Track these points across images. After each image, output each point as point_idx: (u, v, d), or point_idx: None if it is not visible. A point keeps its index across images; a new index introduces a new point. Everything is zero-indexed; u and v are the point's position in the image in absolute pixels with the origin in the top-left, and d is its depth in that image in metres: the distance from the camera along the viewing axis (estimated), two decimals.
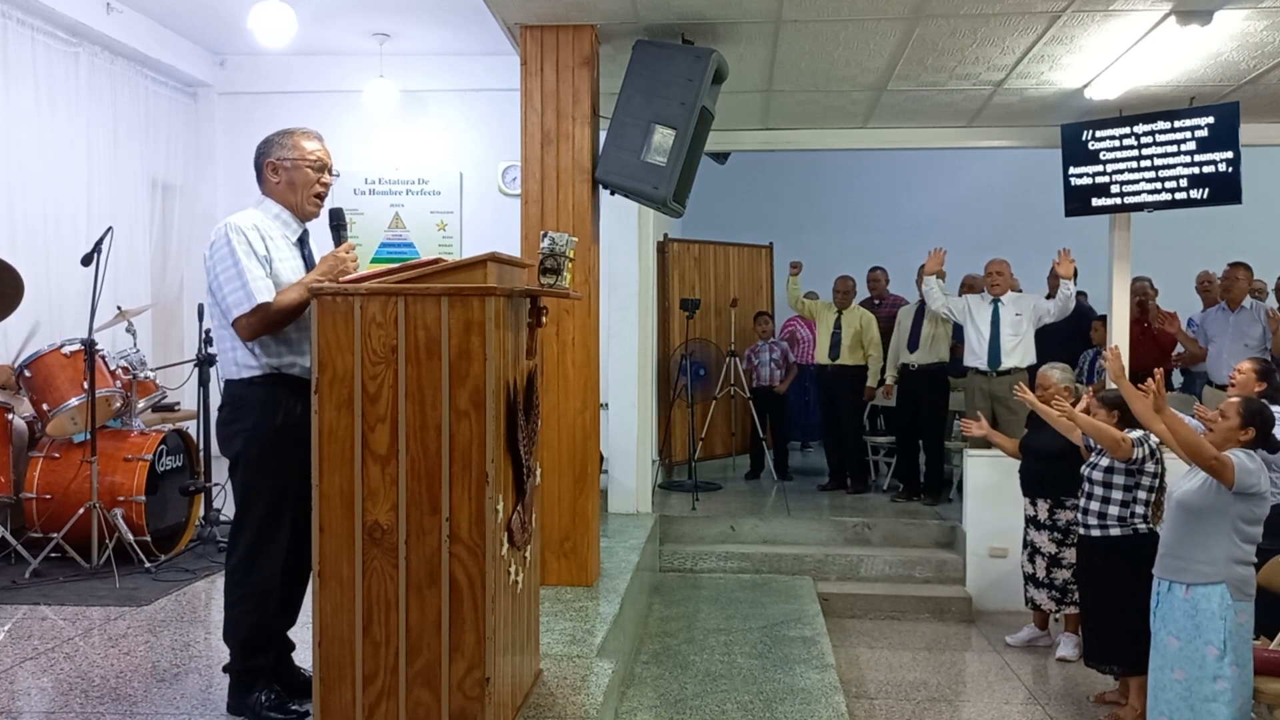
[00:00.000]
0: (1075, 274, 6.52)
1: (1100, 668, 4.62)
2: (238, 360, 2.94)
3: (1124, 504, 4.48)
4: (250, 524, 2.95)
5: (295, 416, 2.88)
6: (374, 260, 7.67)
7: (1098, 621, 4.59)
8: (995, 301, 6.73)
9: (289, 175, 3.03)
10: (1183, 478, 3.85)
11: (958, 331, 7.24)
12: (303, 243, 3.10)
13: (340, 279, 2.88)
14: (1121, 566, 4.41)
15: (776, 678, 4.57)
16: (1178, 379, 7.67)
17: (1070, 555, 5.24)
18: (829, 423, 8.09)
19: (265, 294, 2.84)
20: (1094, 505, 4.55)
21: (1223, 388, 6.22)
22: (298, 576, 2.95)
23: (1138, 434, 4.39)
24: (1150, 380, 3.86)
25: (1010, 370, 6.57)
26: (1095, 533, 4.55)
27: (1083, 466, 4.69)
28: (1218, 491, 3.63)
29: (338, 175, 3.20)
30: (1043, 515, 5.33)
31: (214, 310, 2.97)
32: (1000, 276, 6.76)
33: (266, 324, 2.87)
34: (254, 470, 2.93)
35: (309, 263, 3.08)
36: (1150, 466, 4.44)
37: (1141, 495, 4.46)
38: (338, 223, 3.10)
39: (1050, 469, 5.28)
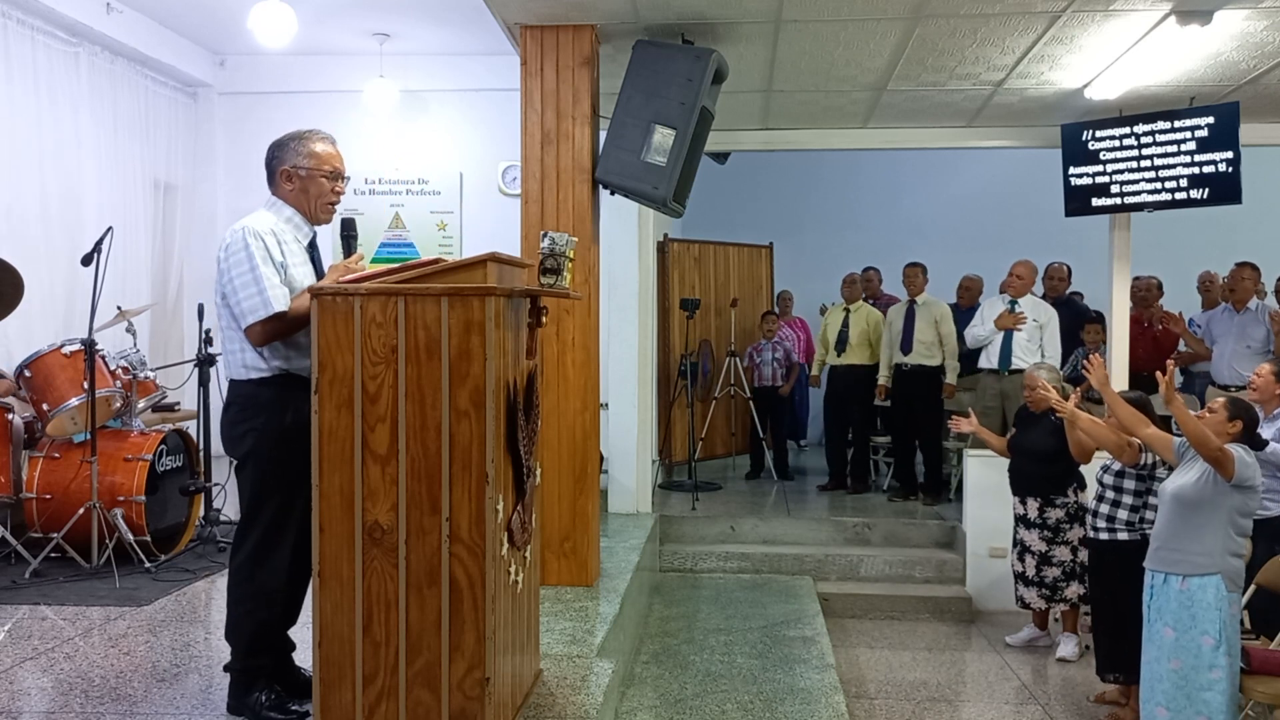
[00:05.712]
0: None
1: (1104, 677, 4.61)
2: (246, 363, 2.93)
3: (1133, 509, 4.47)
4: (259, 523, 2.94)
5: (304, 416, 2.87)
6: (374, 260, 7.67)
7: (1105, 627, 4.58)
8: (1013, 303, 6.70)
9: (303, 183, 3.03)
10: (1176, 472, 3.90)
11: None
12: (313, 246, 3.10)
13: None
14: (1128, 570, 4.36)
15: (776, 678, 4.57)
16: (1177, 378, 7.67)
17: (1060, 553, 5.24)
18: (834, 422, 8.07)
19: (281, 303, 2.85)
20: (1104, 508, 4.54)
21: (1227, 388, 6.21)
22: (299, 576, 2.94)
23: None
24: (1160, 374, 3.88)
25: (1021, 370, 6.56)
26: (1104, 535, 4.56)
27: (1097, 469, 4.67)
28: (1215, 484, 3.70)
29: (348, 179, 3.19)
30: (1032, 514, 5.33)
31: (223, 312, 2.95)
32: (1021, 280, 6.73)
33: (279, 332, 2.88)
34: (265, 469, 2.92)
35: (317, 267, 3.08)
36: (1161, 473, 4.37)
37: (1153, 500, 4.40)
38: (349, 233, 3.13)
39: (1039, 467, 5.29)
